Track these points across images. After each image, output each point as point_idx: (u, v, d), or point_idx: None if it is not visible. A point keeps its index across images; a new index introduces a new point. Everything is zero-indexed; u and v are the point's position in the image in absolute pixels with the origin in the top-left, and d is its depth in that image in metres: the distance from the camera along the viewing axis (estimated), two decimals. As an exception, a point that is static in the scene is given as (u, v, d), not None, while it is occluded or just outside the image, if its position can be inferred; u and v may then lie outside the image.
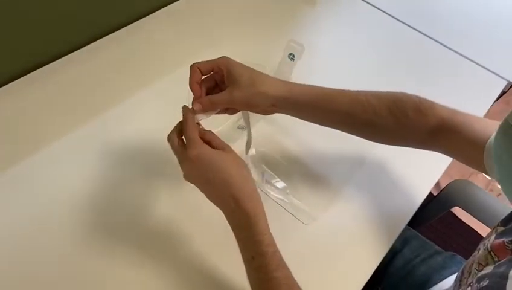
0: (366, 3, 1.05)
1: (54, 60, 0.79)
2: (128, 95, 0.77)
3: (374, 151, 0.76)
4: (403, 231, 0.70)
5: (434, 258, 0.79)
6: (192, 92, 0.56)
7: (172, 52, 0.86)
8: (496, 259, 0.50)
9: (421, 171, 0.75)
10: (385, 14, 1.03)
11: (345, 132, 0.63)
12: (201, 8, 0.96)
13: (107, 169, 0.67)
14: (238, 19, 0.96)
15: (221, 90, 0.56)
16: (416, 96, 0.60)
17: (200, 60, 0.55)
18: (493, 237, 0.54)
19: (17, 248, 0.59)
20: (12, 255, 0.58)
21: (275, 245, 0.51)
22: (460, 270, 0.63)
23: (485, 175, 1.74)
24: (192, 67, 0.56)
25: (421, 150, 0.66)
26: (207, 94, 0.57)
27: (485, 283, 0.47)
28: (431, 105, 0.60)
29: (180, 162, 0.53)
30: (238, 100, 0.55)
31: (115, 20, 0.87)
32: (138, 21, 0.90)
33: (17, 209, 0.62)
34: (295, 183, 0.68)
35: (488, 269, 0.50)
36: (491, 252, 0.52)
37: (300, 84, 0.59)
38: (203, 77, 0.57)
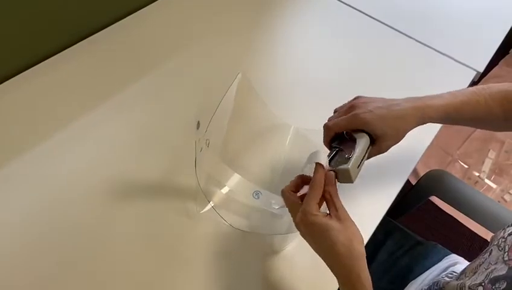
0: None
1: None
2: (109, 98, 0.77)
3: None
4: (386, 223, 0.70)
5: (416, 249, 0.81)
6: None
7: (151, 53, 0.87)
8: (506, 257, 0.51)
9: (396, 161, 0.75)
10: (354, 10, 1.04)
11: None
12: (173, 8, 0.97)
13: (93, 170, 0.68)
14: (209, 16, 0.97)
15: None
16: None
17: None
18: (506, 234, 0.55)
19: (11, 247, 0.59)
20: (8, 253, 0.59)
21: None
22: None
23: (462, 164, 1.76)
24: (327, 128, 0.57)
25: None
26: None
27: (502, 285, 0.47)
28: None
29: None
30: (386, 149, 0.58)
31: (91, 23, 0.88)
32: (115, 24, 0.91)
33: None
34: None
35: (501, 271, 0.50)
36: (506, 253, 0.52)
37: (430, 105, 0.58)
38: None
